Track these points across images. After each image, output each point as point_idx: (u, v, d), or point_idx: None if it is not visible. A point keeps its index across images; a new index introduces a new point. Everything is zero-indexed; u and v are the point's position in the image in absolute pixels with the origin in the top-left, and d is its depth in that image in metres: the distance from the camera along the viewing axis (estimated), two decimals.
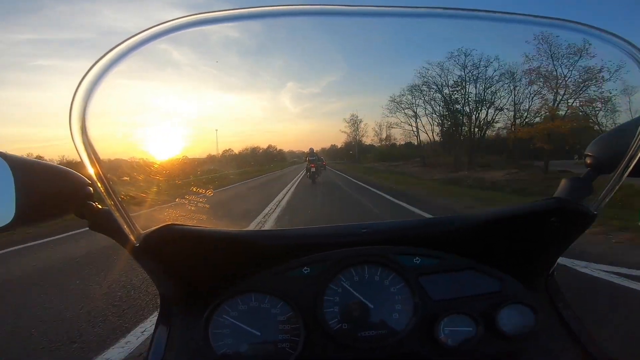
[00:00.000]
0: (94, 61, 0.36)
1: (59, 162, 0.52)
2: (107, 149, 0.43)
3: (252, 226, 4.32)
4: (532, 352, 0.55)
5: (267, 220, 4.69)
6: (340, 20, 0.40)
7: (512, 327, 0.54)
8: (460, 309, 0.54)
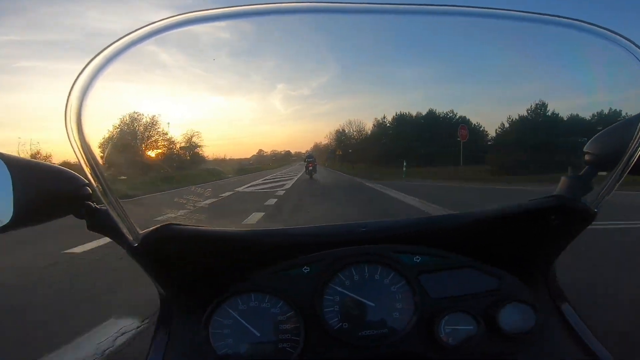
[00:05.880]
0: (81, 62, 0.36)
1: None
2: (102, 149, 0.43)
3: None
4: (533, 351, 0.55)
5: None
6: (332, 20, 0.40)
7: (513, 326, 0.54)
8: (461, 307, 0.54)
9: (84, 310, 2.35)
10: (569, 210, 0.53)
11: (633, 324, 1.88)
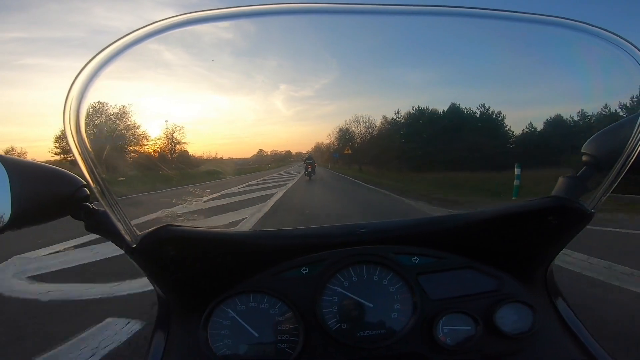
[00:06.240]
0: (84, 60, 0.36)
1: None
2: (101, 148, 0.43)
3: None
4: (532, 351, 0.55)
5: None
6: (334, 21, 0.40)
7: (511, 326, 0.54)
8: (459, 307, 0.54)
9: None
10: (566, 210, 0.53)
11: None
